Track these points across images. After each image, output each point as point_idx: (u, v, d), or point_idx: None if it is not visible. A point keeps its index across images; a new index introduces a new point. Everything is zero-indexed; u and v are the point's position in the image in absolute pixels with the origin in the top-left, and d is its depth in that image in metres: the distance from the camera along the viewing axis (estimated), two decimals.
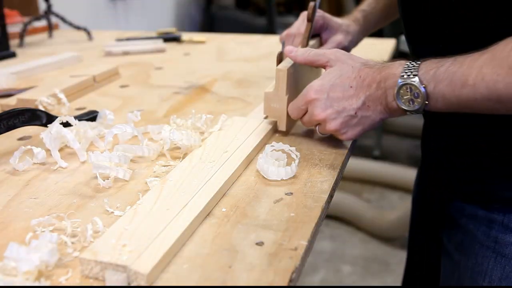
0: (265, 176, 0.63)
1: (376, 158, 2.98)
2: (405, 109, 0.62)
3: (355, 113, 0.65)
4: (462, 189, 0.76)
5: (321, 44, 0.93)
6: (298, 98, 0.71)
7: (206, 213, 0.55)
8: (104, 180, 0.62)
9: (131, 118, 0.79)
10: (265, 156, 0.65)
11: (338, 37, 0.91)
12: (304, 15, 0.86)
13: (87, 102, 0.96)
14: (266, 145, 0.67)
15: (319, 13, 0.89)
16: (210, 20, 3.51)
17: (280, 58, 0.77)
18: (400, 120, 3.24)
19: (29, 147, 0.69)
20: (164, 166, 0.67)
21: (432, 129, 0.82)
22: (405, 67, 0.62)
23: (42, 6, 1.75)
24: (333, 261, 2.15)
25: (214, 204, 0.57)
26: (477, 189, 0.73)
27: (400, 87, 0.61)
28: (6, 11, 1.51)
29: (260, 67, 1.20)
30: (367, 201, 2.55)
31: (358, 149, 3.05)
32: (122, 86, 1.07)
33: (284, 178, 0.63)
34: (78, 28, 1.64)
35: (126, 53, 1.38)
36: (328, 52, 0.71)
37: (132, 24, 2.78)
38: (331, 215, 2.41)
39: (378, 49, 1.31)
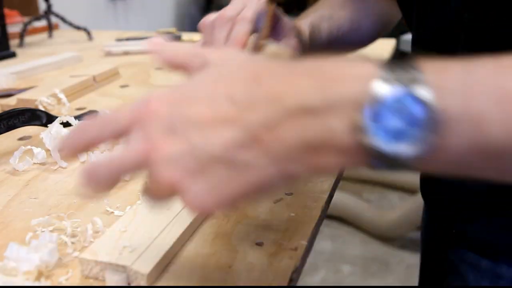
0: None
1: None
2: (378, 152, 0.28)
3: (229, 154, 0.30)
4: (466, 233, 0.62)
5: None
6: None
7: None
8: None
9: None
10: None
11: (291, 42, 0.62)
12: None
13: (87, 102, 0.96)
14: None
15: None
16: None
17: None
18: None
19: (29, 147, 0.69)
20: None
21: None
22: (385, 65, 0.28)
23: (42, 6, 1.75)
24: (333, 261, 2.15)
25: None
26: (484, 238, 0.60)
27: (390, 103, 0.27)
28: (6, 11, 1.51)
29: None
30: (367, 201, 2.55)
31: None
32: (122, 86, 1.07)
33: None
34: (78, 28, 1.64)
35: (126, 53, 1.38)
36: (212, 50, 0.37)
37: (132, 24, 2.78)
38: (331, 215, 2.41)
39: (377, 48, 1.30)
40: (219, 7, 0.55)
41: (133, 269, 0.44)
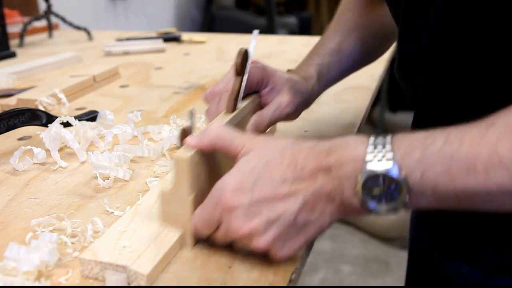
0: None
1: None
2: (372, 209, 0.42)
3: (294, 218, 0.43)
4: (459, 248, 0.62)
5: (260, 106, 0.64)
6: (205, 203, 0.47)
7: None
8: (104, 180, 0.62)
9: (131, 118, 0.79)
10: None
11: (284, 98, 0.63)
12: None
13: (87, 102, 0.96)
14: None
15: (256, 63, 0.63)
16: (210, 20, 3.51)
17: (184, 136, 0.50)
18: (400, 121, 3.23)
19: (29, 147, 0.69)
20: (164, 166, 0.67)
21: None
22: (371, 147, 0.42)
23: (42, 6, 1.75)
24: (333, 261, 2.15)
25: None
26: (477, 251, 0.59)
27: (368, 178, 0.41)
28: (6, 11, 1.51)
29: None
30: None
31: None
32: (122, 86, 1.07)
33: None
34: (78, 28, 1.64)
35: (126, 53, 1.38)
36: (243, 136, 0.49)
37: (132, 24, 2.78)
38: None
39: None
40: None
41: (133, 269, 0.44)
